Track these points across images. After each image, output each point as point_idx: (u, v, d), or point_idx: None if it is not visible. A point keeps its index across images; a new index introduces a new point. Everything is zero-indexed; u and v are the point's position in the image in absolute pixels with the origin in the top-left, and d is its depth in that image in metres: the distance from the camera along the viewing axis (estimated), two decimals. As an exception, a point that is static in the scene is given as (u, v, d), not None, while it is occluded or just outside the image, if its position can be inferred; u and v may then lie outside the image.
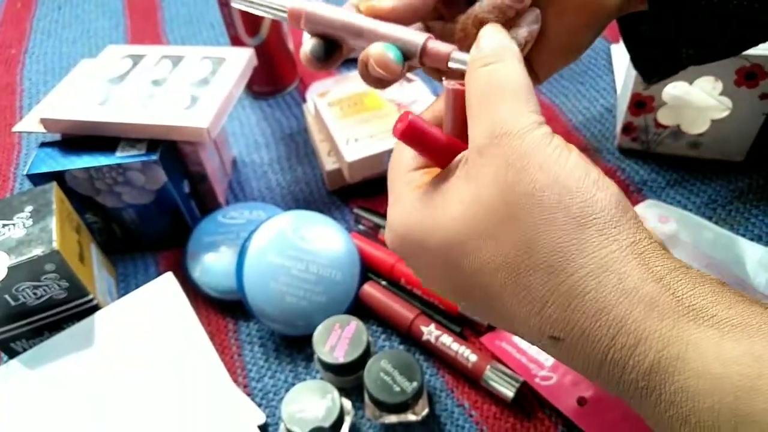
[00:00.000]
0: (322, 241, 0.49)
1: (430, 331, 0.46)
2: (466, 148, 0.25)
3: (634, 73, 0.54)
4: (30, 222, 0.44)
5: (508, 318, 0.22)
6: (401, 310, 0.48)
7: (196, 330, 0.45)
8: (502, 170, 0.21)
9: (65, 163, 0.50)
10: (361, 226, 0.56)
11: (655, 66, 0.36)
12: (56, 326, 0.46)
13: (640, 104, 0.56)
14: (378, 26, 0.28)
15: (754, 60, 0.49)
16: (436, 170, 0.28)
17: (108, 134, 0.51)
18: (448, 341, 0.45)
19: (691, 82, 0.53)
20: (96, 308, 0.47)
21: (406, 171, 0.27)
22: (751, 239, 0.50)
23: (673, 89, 0.55)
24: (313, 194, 0.61)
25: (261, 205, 0.56)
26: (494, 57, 0.24)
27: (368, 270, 0.52)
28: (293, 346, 0.49)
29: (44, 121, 0.52)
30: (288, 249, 0.48)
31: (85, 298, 0.46)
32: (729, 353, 0.16)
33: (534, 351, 0.44)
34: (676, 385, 0.16)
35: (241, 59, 0.57)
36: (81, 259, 0.47)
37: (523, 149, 0.21)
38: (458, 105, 0.26)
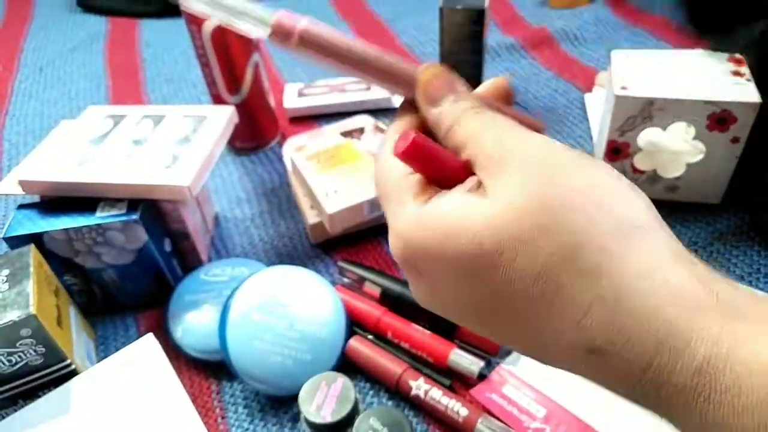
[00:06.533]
0: (306, 298, 0.48)
1: (419, 386, 0.45)
2: (468, 169, 0.23)
3: (608, 120, 0.56)
4: (6, 286, 0.43)
5: (535, 337, 0.21)
6: (389, 364, 0.47)
7: (178, 393, 0.43)
8: (533, 172, 0.20)
9: (43, 224, 0.49)
10: (345, 279, 0.55)
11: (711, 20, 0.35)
12: (31, 394, 0.45)
13: (616, 151, 0.57)
14: (380, 58, 0.27)
15: (724, 106, 0.50)
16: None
17: (87, 195, 0.51)
18: (437, 395, 0.44)
19: (664, 128, 0.54)
20: (74, 373, 0.45)
21: (401, 175, 0.24)
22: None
23: (648, 135, 0.56)
24: (296, 248, 0.60)
25: (244, 261, 0.55)
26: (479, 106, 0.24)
27: (354, 324, 0.51)
28: (279, 406, 0.47)
29: (22, 183, 0.51)
30: (271, 307, 0.47)
31: (63, 364, 0.44)
32: None
33: (525, 402, 0.43)
34: (729, 379, 0.16)
35: (222, 117, 0.57)
36: (59, 322, 0.45)
37: (545, 152, 0.21)
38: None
